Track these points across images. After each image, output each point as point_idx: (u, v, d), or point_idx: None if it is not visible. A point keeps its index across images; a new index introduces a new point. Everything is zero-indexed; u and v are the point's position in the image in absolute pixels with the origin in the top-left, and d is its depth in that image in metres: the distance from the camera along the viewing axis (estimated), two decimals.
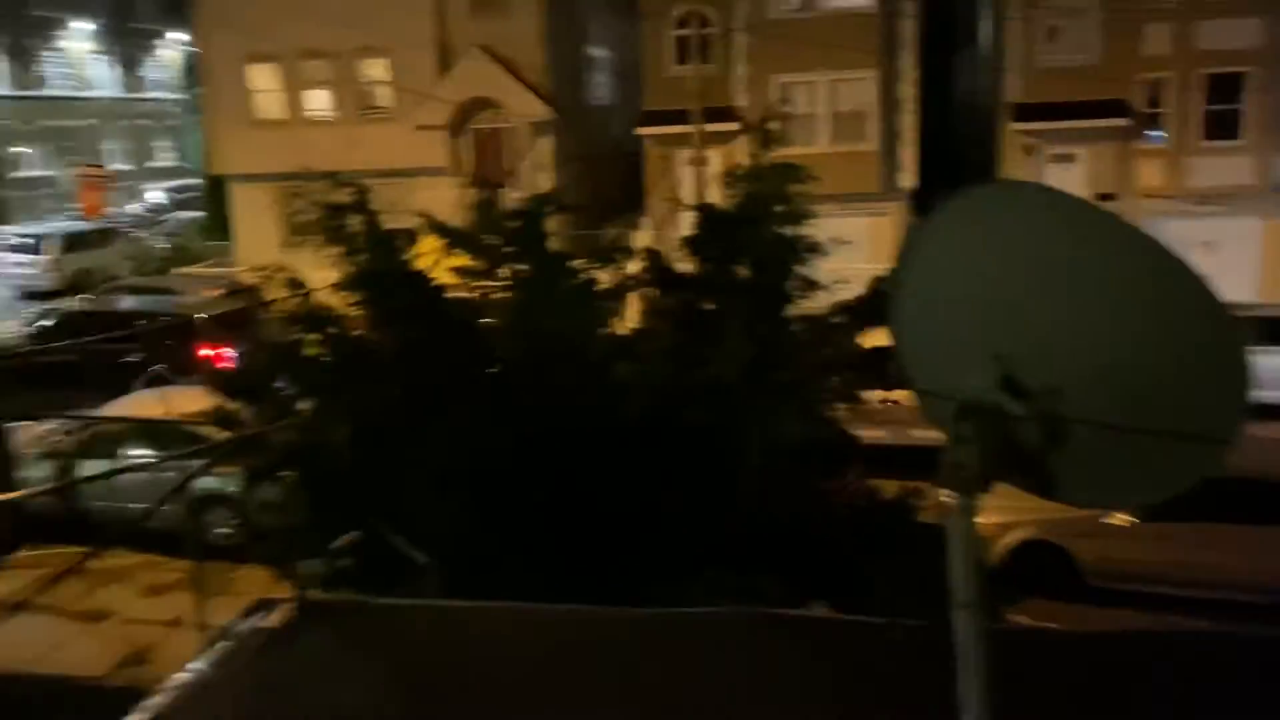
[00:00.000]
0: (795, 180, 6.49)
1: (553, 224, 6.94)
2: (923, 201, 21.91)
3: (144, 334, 16.42)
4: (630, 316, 6.69)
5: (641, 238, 19.70)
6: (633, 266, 6.76)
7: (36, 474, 12.28)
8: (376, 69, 25.82)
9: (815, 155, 18.64)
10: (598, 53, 29.12)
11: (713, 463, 5.80)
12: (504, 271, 6.68)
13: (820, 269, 6.53)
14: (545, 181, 22.90)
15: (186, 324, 16.78)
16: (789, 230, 6.42)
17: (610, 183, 25.71)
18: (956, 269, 2.04)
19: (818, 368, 6.51)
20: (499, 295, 6.67)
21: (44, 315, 19.44)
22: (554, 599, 3.61)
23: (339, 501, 5.81)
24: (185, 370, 15.16)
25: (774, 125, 6.95)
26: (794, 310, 6.53)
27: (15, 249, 28.20)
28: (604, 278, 6.61)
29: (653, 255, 6.78)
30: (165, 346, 16.14)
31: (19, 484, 12.13)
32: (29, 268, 27.71)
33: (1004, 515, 10.21)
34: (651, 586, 4.78)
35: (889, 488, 6.70)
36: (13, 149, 43.86)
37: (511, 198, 7.39)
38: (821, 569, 5.92)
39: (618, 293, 6.58)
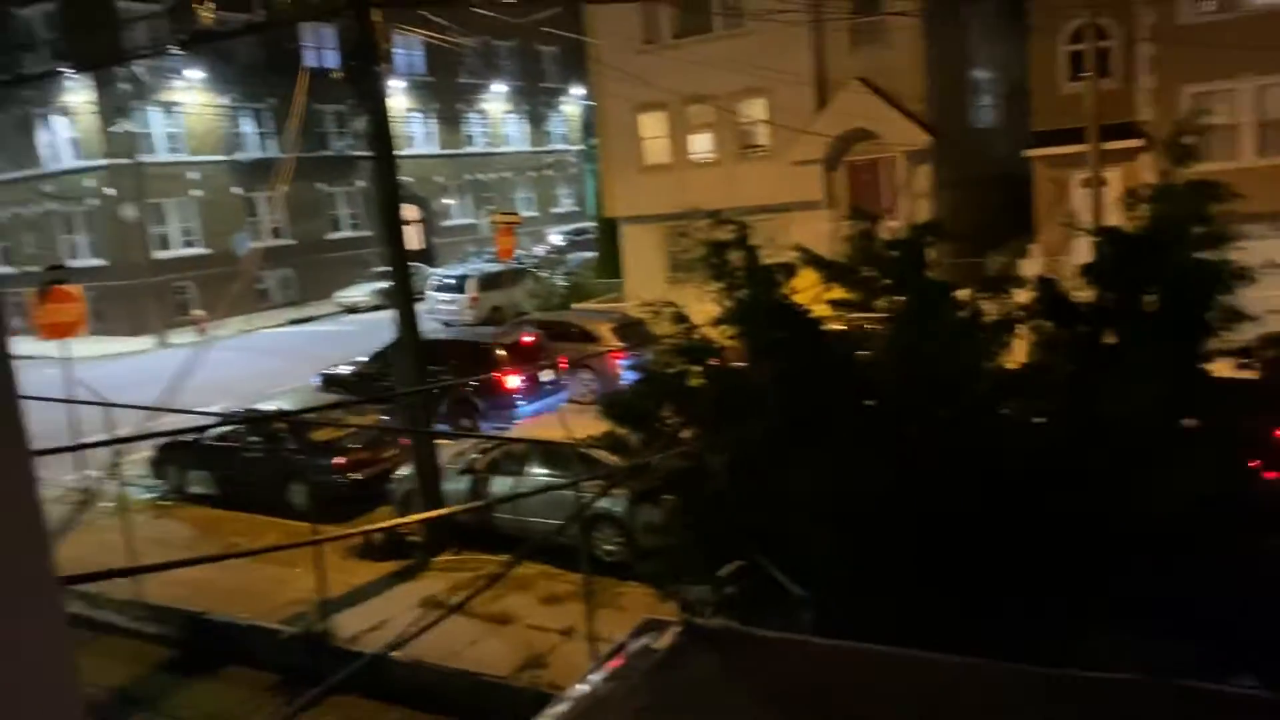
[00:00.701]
0: (1215, 199, 5.79)
1: (933, 253, 6.71)
2: None
3: (453, 359, 18.95)
4: (1019, 350, 6.28)
5: (1031, 266, 18.51)
6: (1021, 296, 6.36)
7: (456, 486, 13.84)
8: (756, 108, 26.59)
9: (1238, 170, 16.52)
10: (981, 75, 27.99)
11: (1114, 512, 5.28)
12: (882, 303, 6.55)
13: (1247, 297, 5.75)
14: (925, 210, 22.30)
15: (488, 351, 19.11)
16: (1208, 255, 5.72)
17: (995, 209, 24.51)
18: None
19: (1239, 409, 5.72)
20: (877, 328, 6.55)
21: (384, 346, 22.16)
22: (930, 644, 3.45)
23: (717, 527, 5.97)
24: (486, 389, 18.06)
25: (1189, 139, 6.24)
26: (1215, 344, 5.80)
27: (442, 289, 32.26)
28: (990, 309, 6.28)
29: (1045, 284, 6.34)
30: (470, 370, 18.46)
31: (443, 495, 13.75)
32: (453, 305, 31.57)
33: None
34: (1042, 642, 4.42)
35: None
36: (443, 200, 50.36)
37: (889, 228, 7.24)
38: (1247, 637, 5.17)
39: (1005, 325, 6.21)
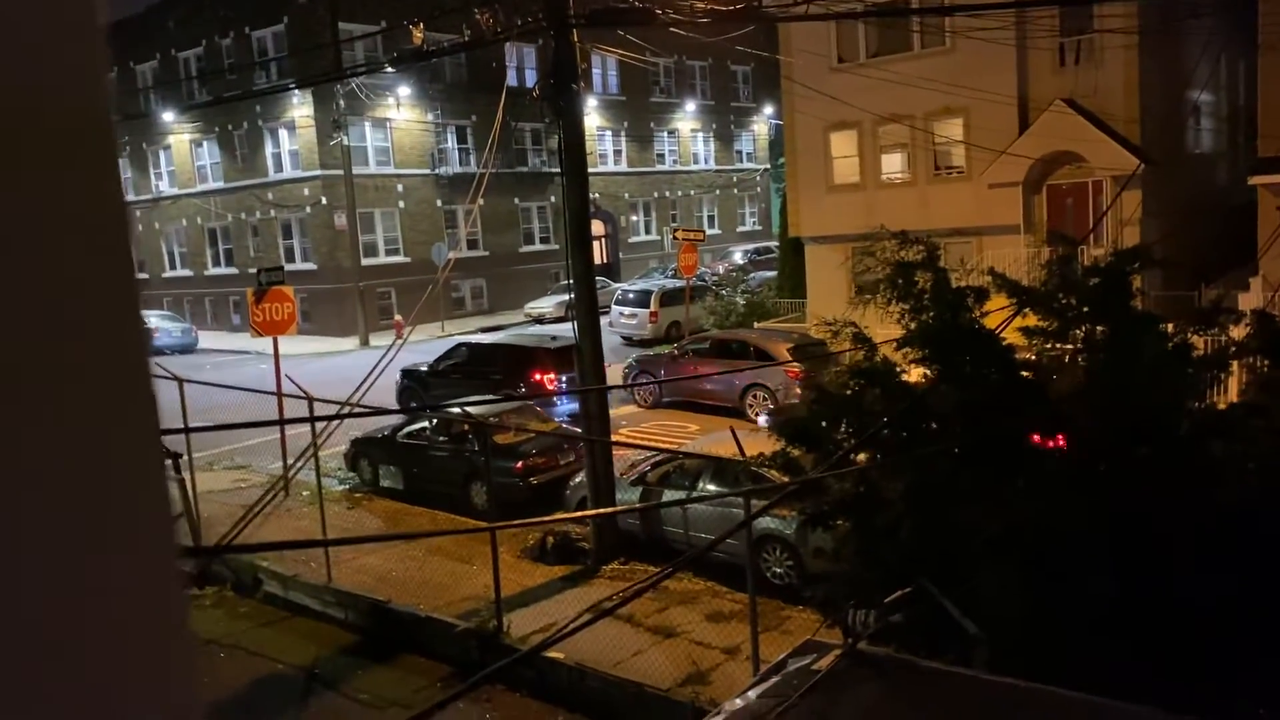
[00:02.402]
0: None
1: (1138, 283, 6.35)
2: None
3: (503, 360, 21.30)
4: (1231, 389, 5.85)
5: (1250, 300, 17.18)
6: (1237, 332, 5.92)
7: (628, 497, 14.03)
8: (953, 128, 25.85)
9: None
10: (1200, 97, 26.20)
11: None
12: (1078, 333, 6.25)
13: None
14: (1130, 237, 21.07)
15: (530, 353, 21.22)
16: None
17: (1211, 239, 22.87)
18: None
19: None
20: (1072, 358, 6.25)
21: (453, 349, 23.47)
22: (1118, 695, 3.24)
23: (890, 555, 5.82)
24: (528, 388, 20.23)
25: None
26: None
27: (624, 302, 32.83)
28: (1199, 343, 5.88)
29: (1263, 319, 5.88)
30: (515, 371, 20.67)
31: (616, 505, 13.96)
32: (634, 320, 32.10)
33: None
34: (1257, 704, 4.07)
35: None
36: (630, 217, 51.35)
37: (1090, 255, 6.88)
38: None
39: (1216, 361, 5.80)
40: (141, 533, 0.67)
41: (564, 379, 20.28)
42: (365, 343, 35.99)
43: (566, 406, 19.63)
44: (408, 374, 21.90)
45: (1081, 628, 5.02)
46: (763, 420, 18.47)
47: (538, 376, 20.66)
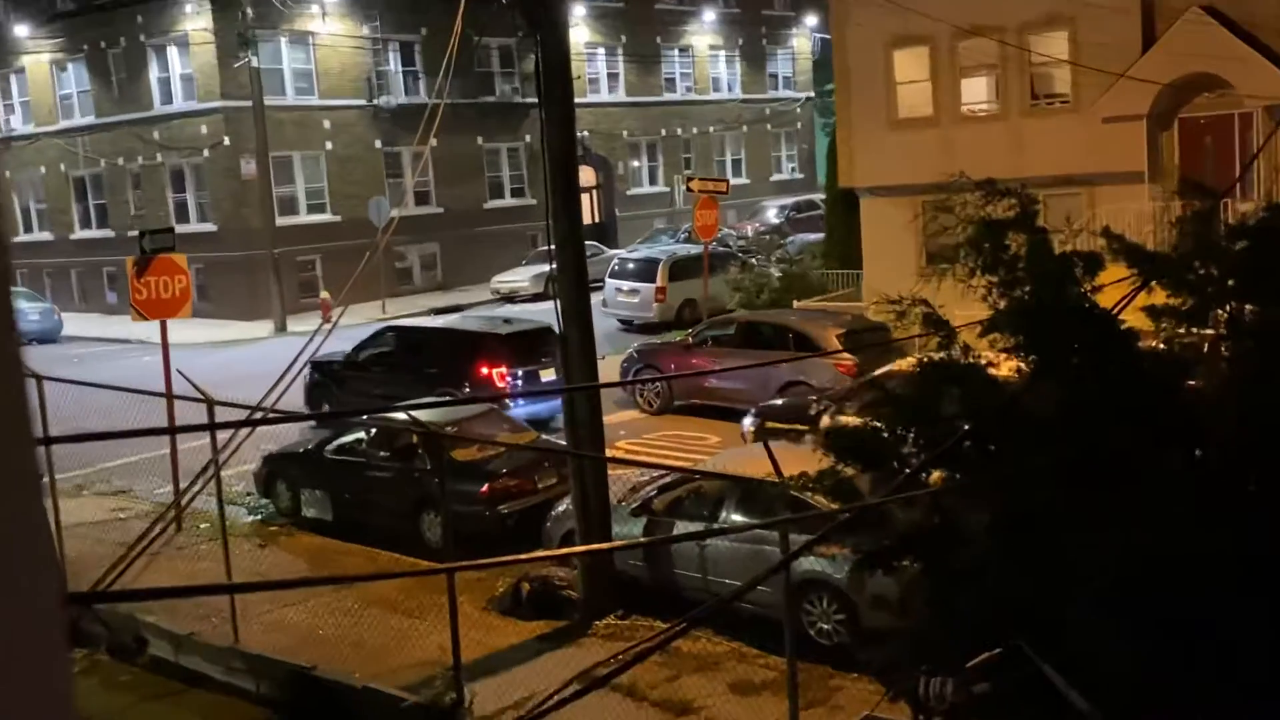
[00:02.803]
0: None
1: None
2: None
3: (438, 349, 22.07)
4: None
5: None
6: None
7: (628, 530, 14.06)
8: (1055, 45, 25.82)
9: None
10: None
11: None
12: (1221, 314, 6.27)
13: None
14: None
15: (475, 341, 22.10)
16: None
17: None
18: None
19: None
20: (1213, 347, 6.27)
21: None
22: None
23: (973, 606, 5.84)
24: (468, 382, 21.15)
25: None
26: None
27: (622, 274, 32.79)
28: None
29: None
30: (455, 363, 21.38)
31: (613, 541, 13.98)
32: (634, 298, 32.07)
33: None
34: None
35: None
36: (630, 163, 51.29)
37: (1237, 211, 6.91)
38: None
39: None
40: (12, 578, 0.66)
41: (519, 374, 20.94)
42: (282, 328, 36.09)
43: (523, 409, 20.19)
44: (318, 367, 22.05)
45: (1232, 697, 5.03)
46: (747, 423, 18.53)
47: (485, 370, 21.21)
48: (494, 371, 21.19)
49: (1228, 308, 6.27)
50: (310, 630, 13.76)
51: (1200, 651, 5.23)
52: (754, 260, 33.09)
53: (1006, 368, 6.63)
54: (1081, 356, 6.15)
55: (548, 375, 21.15)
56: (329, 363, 22.45)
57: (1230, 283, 6.25)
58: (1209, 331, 6.44)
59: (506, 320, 23.98)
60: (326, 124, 41.13)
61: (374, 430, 17.39)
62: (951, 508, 6.32)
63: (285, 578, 15.42)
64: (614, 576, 13.93)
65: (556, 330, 14.09)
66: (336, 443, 17.62)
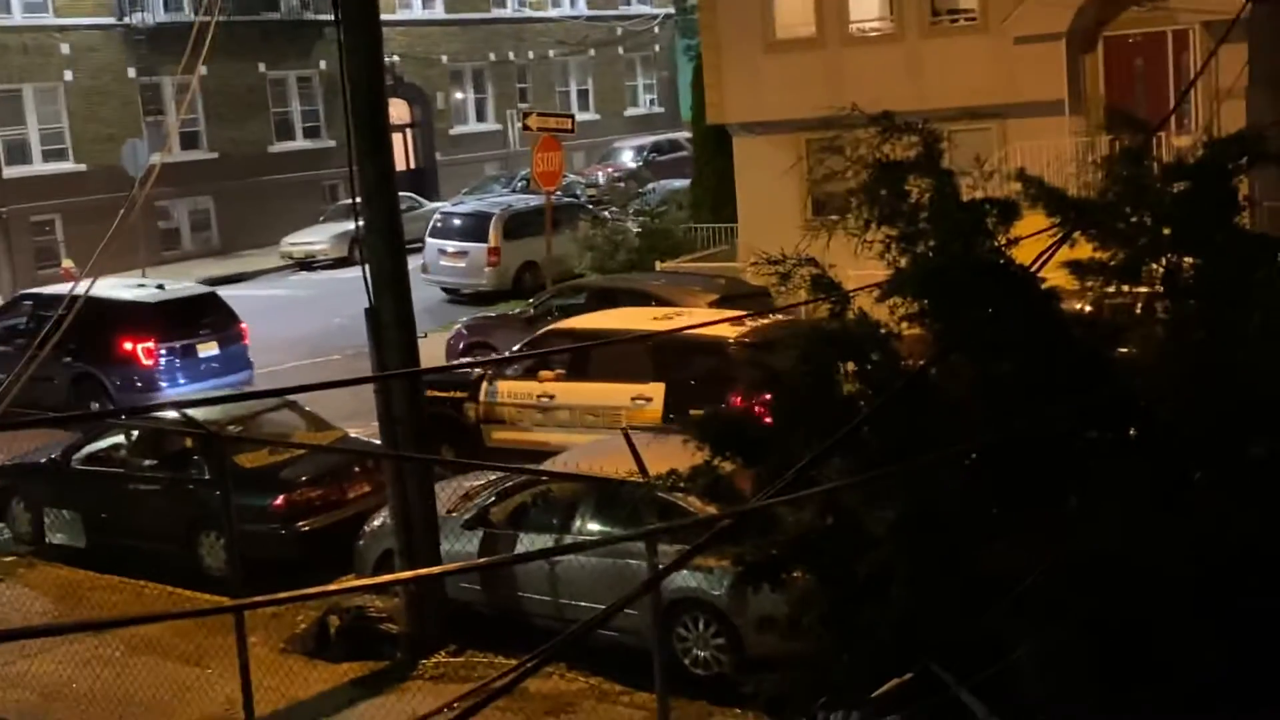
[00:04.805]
0: None
1: (1245, 189, 6.60)
2: None
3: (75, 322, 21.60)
4: None
5: None
6: None
7: (461, 547, 14.02)
8: None
9: None
10: None
11: None
12: (1156, 268, 6.46)
13: None
14: (1234, 116, 21.85)
15: (121, 311, 22.48)
16: None
17: None
18: None
19: None
20: (1148, 307, 6.46)
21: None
22: None
23: (877, 623, 5.95)
24: (107, 360, 21.87)
25: None
26: None
27: (447, 233, 32.55)
28: None
29: None
30: (93, 337, 21.36)
31: (442, 560, 13.93)
32: (461, 261, 31.87)
33: None
34: None
35: None
36: (453, 95, 50.84)
37: (1173, 146, 7.14)
38: None
39: None
40: None
41: (174, 349, 21.71)
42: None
43: (188, 386, 21.29)
44: None
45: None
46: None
47: (129, 345, 21.75)
48: (139, 347, 21.66)
49: (1164, 261, 6.43)
50: (61, 685, 13.44)
51: (1141, 668, 5.41)
52: (607, 213, 33.24)
53: (911, 338, 6.73)
54: (996, 323, 6.27)
55: (207, 350, 22.08)
56: None
57: (1166, 232, 6.40)
58: (1142, 290, 6.59)
59: (160, 285, 24.63)
60: (65, 49, 39.99)
61: (135, 433, 17.01)
62: (850, 507, 6.40)
63: (26, 623, 15.04)
64: (444, 604, 13.88)
65: (368, 304, 13.91)
66: (87, 450, 17.19)
